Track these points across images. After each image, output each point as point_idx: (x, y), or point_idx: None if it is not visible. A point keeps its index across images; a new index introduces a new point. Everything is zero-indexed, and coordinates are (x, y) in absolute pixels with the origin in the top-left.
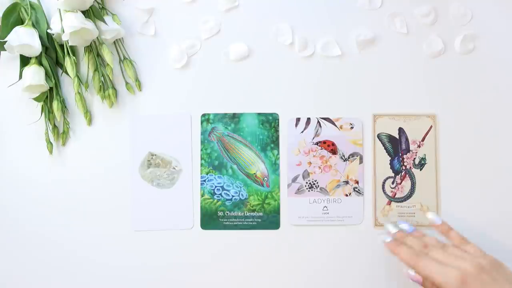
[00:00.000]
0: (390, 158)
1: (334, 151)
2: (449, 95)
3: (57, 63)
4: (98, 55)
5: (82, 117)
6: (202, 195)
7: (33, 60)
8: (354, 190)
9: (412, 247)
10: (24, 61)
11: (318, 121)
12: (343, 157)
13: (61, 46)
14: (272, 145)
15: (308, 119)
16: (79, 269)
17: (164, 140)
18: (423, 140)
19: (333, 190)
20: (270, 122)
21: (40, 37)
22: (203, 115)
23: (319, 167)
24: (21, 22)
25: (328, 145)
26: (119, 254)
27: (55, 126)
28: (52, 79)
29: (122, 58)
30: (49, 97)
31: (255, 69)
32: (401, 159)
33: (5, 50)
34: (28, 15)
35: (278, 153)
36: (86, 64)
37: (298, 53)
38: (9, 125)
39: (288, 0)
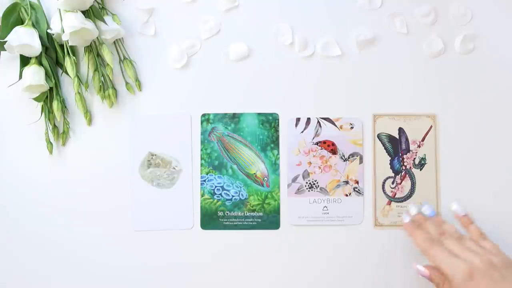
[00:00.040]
0: (390, 158)
1: (334, 151)
2: (449, 95)
3: (57, 63)
4: (98, 55)
5: (82, 117)
6: (202, 195)
7: (33, 60)
8: (354, 190)
9: (429, 233)
10: (24, 61)
11: (318, 121)
12: (343, 157)
13: (61, 46)
14: (272, 145)
15: (308, 119)
16: (79, 269)
17: (164, 140)
18: (423, 140)
19: (333, 190)
20: (270, 122)
21: (40, 37)
22: (203, 115)
23: (319, 167)
24: (21, 22)
25: (328, 145)
26: (119, 254)
27: (55, 126)
28: (52, 79)
29: (122, 58)
30: (49, 97)
31: (255, 69)
32: (401, 159)
33: (5, 50)
34: (28, 15)
35: (278, 153)
36: (86, 64)
37: (298, 53)
38: (9, 125)
39: (288, 0)
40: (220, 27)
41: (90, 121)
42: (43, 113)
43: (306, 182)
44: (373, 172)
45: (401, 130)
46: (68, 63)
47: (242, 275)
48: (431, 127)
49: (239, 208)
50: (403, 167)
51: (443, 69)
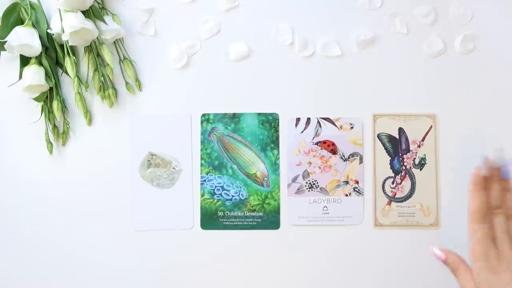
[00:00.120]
0: (390, 158)
1: (334, 151)
2: (449, 95)
3: (57, 63)
4: (98, 55)
5: (82, 117)
6: (202, 195)
7: (33, 60)
8: (354, 190)
9: (487, 203)
10: (24, 61)
11: (318, 121)
12: (343, 157)
13: (61, 46)
14: (272, 145)
15: (308, 119)
16: (79, 269)
17: (164, 140)
18: (423, 140)
19: (333, 190)
20: (270, 122)
21: (40, 37)
22: (203, 115)
23: (319, 167)
24: (21, 22)
25: (328, 145)
26: (119, 254)
27: (55, 126)
28: (52, 79)
29: (122, 58)
30: (49, 97)
31: (255, 69)
32: (401, 159)
33: (5, 50)
34: (28, 15)
35: (278, 153)
36: (86, 64)
37: (298, 53)
38: (9, 125)
39: (288, 0)
40: (220, 27)
41: (90, 121)
42: (43, 113)
43: (306, 182)
44: (373, 172)
45: (401, 130)
46: (68, 63)
47: (242, 275)
48: (431, 127)
49: (239, 208)
50: (403, 167)
51: (443, 69)
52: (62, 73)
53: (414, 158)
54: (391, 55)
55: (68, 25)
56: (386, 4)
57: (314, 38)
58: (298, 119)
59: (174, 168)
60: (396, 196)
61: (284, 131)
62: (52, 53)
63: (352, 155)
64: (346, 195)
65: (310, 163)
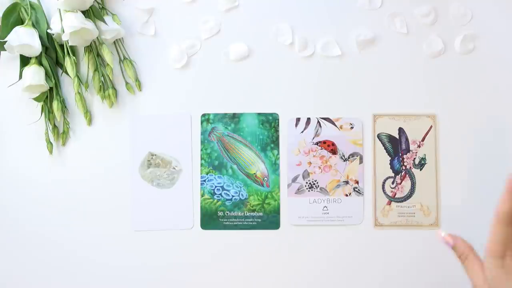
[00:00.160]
0: (390, 158)
1: (334, 151)
2: (449, 95)
3: (57, 63)
4: (98, 55)
5: (82, 117)
6: (202, 195)
7: (33, 60)
8: (354, 190)
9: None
10: (24, 61)
11: (318, 121)
12: (343, 157)
13: (61, 46)
14: (272, 145)
15: (308, 119)
16: (79, 269)
17: (164, 140)
18: (423, 140)
19: (333, 190)
20: (270, 122)
21: (40, 37)
22: (203, 115)
23: (319, 167)
24: (21, 22)
25: (328, 145)
26: (119, 254)
27: (55, 126)
28: (52, 79)
29: (122, 58)
30: (49, 97)
31: (255, 69)
32: (401, 159)
33: (5, 50)
34: (28, 15)
35: (278, 153)
36: (86, 64)
37: (298, 53)
38: (9, 125)
39: (288, 0)
40: (220, 27)
41: (90, 121)
42: (43, 113)
43: (306, 182)
44: (373, 172)
45: (401, 130)
46: (68, 63)
47: (242, 275)
48: (431, 127)
49: (239, 208)
50: (403, 167)
51: (443, 69)
52: (62, 73)
53: (414, 158)
54: (391, 55)
55: (68, 25)
56: (386, 4)
57: (314, 38)
58: (298, 119)
59: (174, 168)
60: (396, 196)
61: (284, 131)
62: (52, 53)
63: (352, 155)
64: (346, 195)
65: (310, 163)
